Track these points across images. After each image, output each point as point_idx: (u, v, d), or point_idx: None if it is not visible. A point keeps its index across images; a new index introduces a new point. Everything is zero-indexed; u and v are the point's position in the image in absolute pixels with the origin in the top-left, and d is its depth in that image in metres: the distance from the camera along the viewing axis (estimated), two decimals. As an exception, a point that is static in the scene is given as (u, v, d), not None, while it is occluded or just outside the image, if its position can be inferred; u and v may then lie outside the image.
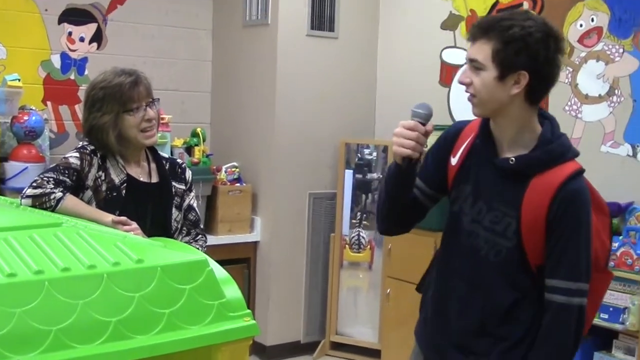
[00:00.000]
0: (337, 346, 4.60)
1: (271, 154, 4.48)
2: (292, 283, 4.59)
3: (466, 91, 1.95)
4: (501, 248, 1.95)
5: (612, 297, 3.18)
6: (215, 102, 4.92)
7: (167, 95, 4.43)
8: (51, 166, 2.39)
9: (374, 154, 4.53)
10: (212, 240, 3.78)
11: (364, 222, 4.51)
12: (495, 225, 1.96)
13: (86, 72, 4.42)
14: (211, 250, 2.32)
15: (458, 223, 2.03)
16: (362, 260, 4.53)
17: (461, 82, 1.95)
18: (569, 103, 3.70)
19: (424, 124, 1.94)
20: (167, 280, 1.53)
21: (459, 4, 4.20)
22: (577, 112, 3.67)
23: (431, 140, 2.03)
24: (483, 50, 1.89)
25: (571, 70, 3.69)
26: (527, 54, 1.85)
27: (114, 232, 1.95)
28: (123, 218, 2.23)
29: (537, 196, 1.90)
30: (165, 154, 2.64)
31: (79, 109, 4.40)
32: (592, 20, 3.61)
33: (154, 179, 2.48)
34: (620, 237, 3.27)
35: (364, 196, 4.54)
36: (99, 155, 2.38)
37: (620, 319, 3.14)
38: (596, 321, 3.19)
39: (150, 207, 2.42)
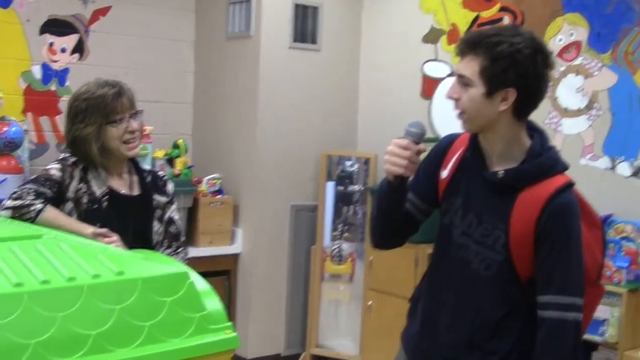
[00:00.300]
0: (318, 359, 4.59)
1: (253, 165, 4.47)
2: (273, 295, 4.58)
3: (455, 108, 1.94)
4: (491, 262, 1.94)
5: (592, 309, 3.20)
6: (197, 113, 4.92)
7: (148, 106, 4.39)
8: (32, 178, 2.38)
9: (356, 166, 4.54)
10: (193, 252, 3.77)
11: (345, 234, 4.52)
12: (485, 239, 1.95)
13: (67, 83, 4.40)
14: (192, 262, 2.31)
15: (449, 236, 2.03)
16: (343, 273, 4.53)
17: (449, 97, 1.94)
18: (549, 116, 3.73)
19: (417, 143, 1.93)
20: (148, 293, 1.52)
21: (441, 18, 4.23)
22: (557, 125, 3.71)
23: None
24: (471, 66, 1.87)
25: (551, 84, 3.72)
26: (515, 71, 1.85)
27: (95, 244, 1.94)
28: (104, 230, 2.22)
29: (525, 209, 1.89)
30: (147, 166, 2.64)
31: (59, 120, 4.37)
32: (572, 34, 3.66)
33: (136, 191, 2.47)
34: (600, 250, 3.29)
35: (345, 208, 4.55)
36: (80, 167, 2.37)
37: (600, 331, 3.16)
38: (576, 333, 3.21)
39: (131, 219, 2.40)
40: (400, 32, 4.48)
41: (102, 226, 2.26)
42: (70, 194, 2.33)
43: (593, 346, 3.21)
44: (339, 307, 4.60)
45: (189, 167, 4.50)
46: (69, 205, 2.33)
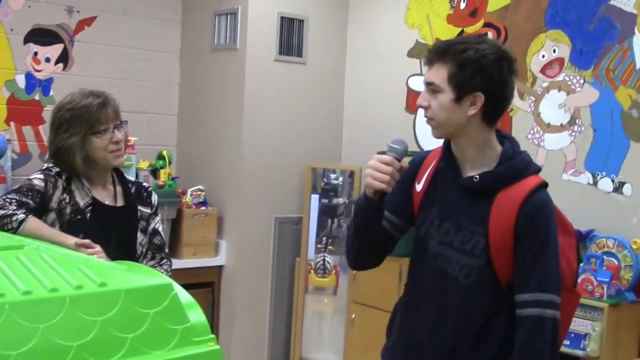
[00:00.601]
0: (301, 371, 4.58)
1: (237, 177, 4.47)
2: (257, 307, 4.56)
3: (425, 115, 1.99)
4: (471, 268, 1.96)
5: (574, 323, 3.19)
6: (182, 125, 4.91)
7: (133, 117, 4.37)
8: (15, 187, 2.37)
9: (340, 179, 4.55)
10: (176, 264, 3.75)
11: (330, 247, 4.52)
12: (464, 245, 1.97)
13: (51, 93, 4.39)
14: (175, 274, 2.31)
15: (424, 247, 2.04)
16: (327, 285, 4.53)
17: (419, 105, 1.99)
18: (532, 132, 3.76)
19: (399, 160, 1.97)
20: (130, 304, 1.51)
21: (426, 33, 4.26)
22: (540, 140, 3.74)
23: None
24: (440, 74, 1.93)
25: (534, 99, 3.76)
26: (482, 75, 1.91)
27: (77, 255, 1.93)
28: (86, 241, 2.21)
29: (503, 211, 1.92)
30: (131, 177, 2.63)
31: (42, 129, 4.35)
32: (554, 51, 3.69)
33: (120, 202, 2.46)
34: (581, 264, 3.31)
35: (329, 221, 4.55)
36: (64, 178, 2.36)
37: (582, 345, 3.17)
38: (557, 347, 3.22)
39: (115, 230, 2.40)
40: (386, 46, 4.51)
41: (85, 237, 2.25)
42: (54, 204, 2.32)
43: (573, 360, 3.23)
44: (322, 320, 4.59)
45: (173, 179, 4.48)
46: (52, 215, 2.32)
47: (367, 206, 2.01)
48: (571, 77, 3.62)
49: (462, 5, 4.09)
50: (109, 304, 1.49)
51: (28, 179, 2.36)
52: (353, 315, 4.22)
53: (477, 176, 1.96)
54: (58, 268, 1.58)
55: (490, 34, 3.95)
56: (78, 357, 1.40)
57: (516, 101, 3.83)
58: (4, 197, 2.28)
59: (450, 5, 4.15)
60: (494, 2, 3.95)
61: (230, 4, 4.49)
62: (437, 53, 1.95)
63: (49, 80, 4.40)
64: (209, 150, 4.67)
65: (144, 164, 4.41)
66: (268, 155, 4.50)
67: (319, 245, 4.54)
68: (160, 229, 2.55)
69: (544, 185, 1.99)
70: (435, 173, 2.06)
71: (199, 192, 4.54)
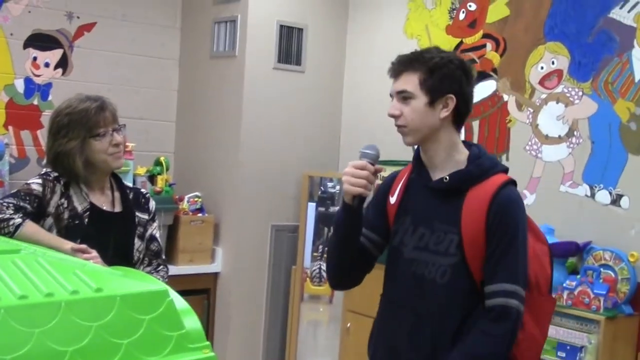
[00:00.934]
0: (295, 380, 4.57)
1: (234, 184, 4.47)
2: (252, 315, 4.55)
3: (396, 124, 2.08)
4: (446, 267, 2.01)
5: (570, 335, 3.21)
6: (180, 131, 4.91)
7: (131, 123, 4.39)
8: (12, 192, 2.36)
9: (337, 187, 4.55)
10: (172, 270, 3.74)
11: (326, 256, 4.51)
12: (438, 246, 2.03)
13: (50, 98, 4.39)
14: (171, 280, 2.30)
15: (399, 254, 2.10)
16: (323, 294, 4.52)
17: (391, 115, 2.08)
18: (530, 143, 3.77)
19: (372, 164, 2.05)
20: (126, 310, 1.51)
21: (424, 43, 4.27)
22: (538, 152, 3.74)
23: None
24: (411, 81, 2.04)
25: (532, 111, 3.77)
26: (450, 79, 2.03)
27: (73, 260, 1.93)
28: (83, 246, 2.21)
29: (474, 208, 1.99)
30: (129, 183, 2.63)
31: (41, 134, 4.35)
32: (553, 63, 3.70)
33: (117, 208, 2.46)
34: (578, 276, 3.31)
35: (326, 229, 4.54)
36: (62, 183, 2.36)
37: (578, 358, 3.17)
38: (553, 359, 3.22)
39: (112, 236, 2.39)
40: (384, 56, 4.50)
41: (82, 242, 2.25)
42: (51, 209, 2.32)
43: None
44: (317, 328, 4.59)
45: (171, 185, 4.48)
46: (49, 220, 2.32)
47: (347, 215, 2.09)
48: (570, 89, 3.63)
49: (461, 16, 4.11)
50: (105, 310, 1.48)
51: (26, 184, 2.36)
52: (348, 324, 4.21)
53: (447, 177, 2.04)
54: (54, 273, 1.58)
55: (490, 45, 3.96)
56: (73, 363, 1.39)
57: (514, 112, 3.84)
58: (1, 201, 2.28)
59: (449, 16, 4.16)
60: (493, 14, 3.96)
61: (230, 11, 4.50)
62: (405, 63, 2.07)
63: (48, 85, 4.40)
64: (206, 157, 4.67)
65: (142, 170, 4.41)
66: (265, 162, 4.50)
67: (315, 254, 4.53)
68: (157, 235, 2.55)
69: (512, 182, 2.06)
70: (407, 184, 2.14)
71: (196, 199, 4.53)
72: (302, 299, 4.54)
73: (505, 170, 2.10)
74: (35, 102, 4.37)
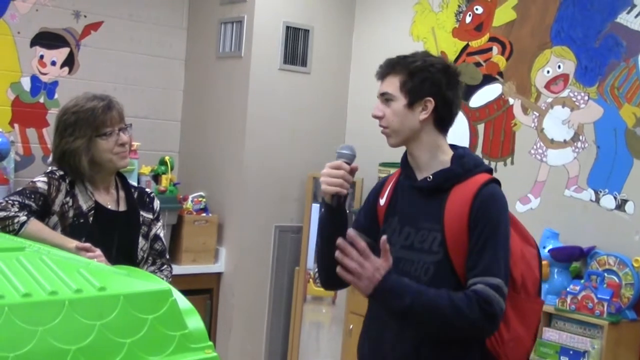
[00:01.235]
0: (297, 381, 4.57)
1: (238, 185, 4.47)
2: (255, 315, 4.55)
3: (379, 125, 2.15)
4: (429, 265, 2.03)
5: (573, 340, 3.21)
6: (185, 131, 4.92)
7: (137, 122, 4.38)
8: (18, 189, 2.37)
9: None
10: (175, 269, 3.73)
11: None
12: (423, 244, 2.06)
13: (56, 96, 4.40)
14: (174, 280, 2.31)
15: None
16: (326, 295, 4.52)
17: (374, 116, 2.16)
18: (535, 147, 3.76)
19: (348, 164, 2.13)
20: (129, 309, 1.51)
21: (430, 46, 4.27)
22: (543, 156, 3.74)
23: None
24: (392, 83, 2.11)
25: (537, 115, 3.76)
26: (431, 82, 2.07)
27: (78, 258, 1.93)
28: (87, 245, 2.21)
29: (456, 206, 2.02)
30: (134, 182, 2.63)
31: (46, 132, 4.36)
32: (559, 67, 3.70)
33: (122, 207, 2.46)
34: (582, 281, 3.31)
35: (330, 231, 4.54)
36: (67, 181, 2.36)
37: (580, 363, 3.16)
38: (556, 364, 3.22)
39: (116, 235, 2.40)
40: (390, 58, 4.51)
41: (87, 241, 2.25)
42: (56, 207, 2.32)
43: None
44: (320, 330, 4.58)
45: (175, 185, 4.49)
46: (54, 218, 2.32)
47: (328, 214, 2.15)
48: (576, 94, 3.63)
49: (468, 19, 4.10)
50: (108, 308, 1.48)
51: (31, 182, 2.36)
52: (351, 326, 4.21)
53: (431, 176, 2.09)
54: (58, 271, 1.58)
55: (496, 49, 3.96)
56: (76, 361, 1.40)
57: (520, 116, 3.83)
58: (6, 199, 2.29)
59: (455, 19, 4.16)
60: (500, 17, 3.96)
61: (236, 12, 4.51)
62: (389, 66, 2.13)
63: (54, 84, 4.41)
64: (211, 157, 4.68)
65: (146, 169, 4.42)
66: (270, 163, 4.50)
67: (319, 255, 4.52)
68: (161, 234, 2.55)
69: (495, 180, 2.09)
70: (395, 186, 2.19)
71: (200, 199, 4.54)
72: (305, 300, 4.54)
73: (490, 170, 2.13)
74: (42, 100, 4.38)
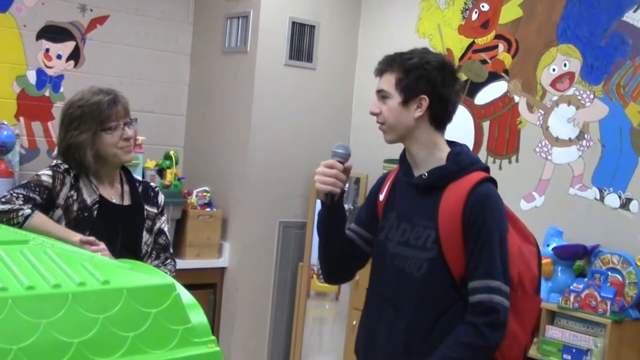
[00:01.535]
0: (300, 377, 4.58)
1: (243, 180, 4.48)
2: (258, 311, 4.56)
3: (377, 122, 2.16)
4: (422, 262, 2.05)
5: (576, 338, 3.21)
6: (190, 126, 4.92)
7: (142, 116, 4.41)
8: (22, 182, 2.37)
9: (346, 185, 4.53)
10: (179, 264, 3.74)
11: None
12: (417, 240, 2.07)
13: (61, 90, 4.40)
14: (178, 274, 2.31)
15: (384, 250, 2.15)
16: (329, 291, 4.53)
17: (371, 113, 2.16)
18: (540, 145, 3.76)
19: (343, 163, 2.14)
20: (132, 303, 1.51)
21: (436, 43, 4.26)
22: (547, 154, 3.73)
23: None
24: (388, 81, 2.13)
25: (542, 112, 3.76)
26: (426, 79, 2.07)
27: (81, 251, 1.93)
28: (91, 238, 2.21)
29: (451, 204, 2.03)
30: (138, 176, 2.64)
31: (51, 125, 4.37)
32: (565, 65, 3.69)
33: (127, 201, 2.47)
34: (585, 279, 3.30)
35: (334, 227, 4.54)
36: (72, 175, 2.36)
37: (582, 361, 3.16)
38: (558, 362, 3.21)
39: (120, 229, 2.40)
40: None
41: (91, 234, 2.26)
42: (61, 200, 2.33)
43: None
44: (323, 326, 4.59)
45: (179, 179, 4.49)
46: (59, 212, 2.33)
47: (324, 211, 2.18)
48: (581, 92, 3.62)
49: (474, 17, 4.10)
50: (111, 302, 1.49)
51: (36, 175, 2.36)
52: (354, 322, 4.21)
53: (426, 173, 2.09)
54: (62, 264, 1.58)
55: (502, 46, 3.95)
56: (79, 354, 1.40)
57: (525, 114, 3.83)
58: (11, 192, 2.29)
59: (462, 16, 4.15)
60: (506, 15, 3.95)
61: (242, 7, 4.50)
62: (386, 63, 2.15)
63: (60, 77, 4.42)
64: (215, 152, 4.68)
65: (151, 164, 4.43)
66: (274, 158, 4.51)
67: (322, 251, 4.53)
68: (165, 229, 2.56)
69: (490, 179, 2.09)
70: (394, 182, 2.21)
71: (204, 194, 4.54)
72: (308, 296, 4.55)
73: (486, 168, 2.13)
74: (47, 94, 4.39)
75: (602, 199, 3.52)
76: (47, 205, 2.30)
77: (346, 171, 2.15)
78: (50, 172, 2.35)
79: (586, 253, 3.44)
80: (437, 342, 2.02)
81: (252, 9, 4.43)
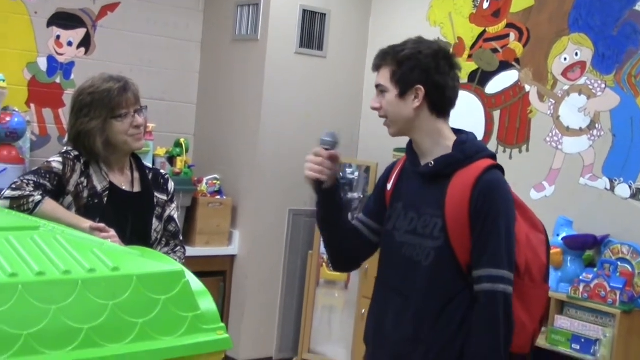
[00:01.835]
0: (308, 364, 4.59)
1: (253, 168, 4.48)
2: (268, 298, 4.58)
3: (379, 116, 2.15)
4: (430, 250, 2.05)
5: (585, 328, 3.20)
6: (200, 113, 4.93)
7: (152, 104, 4.43)
8: (33, 169, 2.38)
9: (356, 173, 4.54)
10: (189, 251, 3.75)
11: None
12: (425, 229, 2.08)
13: (72, 77, 4.41)
14: (188, 262, 2.31)
15: (392, 239, 2.16)
16: (339, 279, 4.53)
17: (372, 108, 2.17)
18: (550, 134, 3.74)
19: (330, 150, 2.17)
20: (142, 290, 1.52)
21: (447, 32, 4.25)
22: (558, 143, 3.72)
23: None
24: (384, 75, 2.12)
25: (553, 102, 3.74)
26: (419, 69, 2.07)
27: (92, 238, 1.94)
28: (101, 225, 2.22)
29: (458, 192, 2.03)
30: (148, 163, 2.64)
31: (62, 112, 4.39)
32: (576, 54, 3.67)
33: (137, 188, 2.47)
34: (595, 269, 3.30)
35: (343, 215, 4.54)
36: (82, 161, 2.37)
37: (592, 351, 3.16)
38: (567, 351, 3.21)
39: (130, 216, 2.40)
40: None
41: (101, 221, 2.26)
42: (71, 187, 2.34)
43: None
44: (332, 314, 4.60)
45: (190, 167, 4.50)
46: (69, 199, 2.33)
47: (319, 199, 2.21)
48: (592, 81, 3.60)
49: (485, 5, 4.07)
50: (121, 289, 1.49)
51: (46, 162, 2.37)
52: (363, 310, 4.22)
53: (432, 162, 2.09)
54: (72, 251, 1.59)
55: (513, 35, 3.93)
56: (88, 340, 1.41)
57: (536, 103, 3.81)
58: (21, 178, 2.30)
59: (473, 5, 4.13)
60: (518, 3, 3.92)
61: (253, -6, 4.50)
62: (381, 58, 2.15)
63: (71, 64, 4.43)
64: (226, 140, 4.68)
65: (161, 151, 4.44)
66: (285, 146, 4.51)
67: (332, 239, 4.53)
68: (175, 216, 2.56)
69: (497, 166, 2.09)
70: (401, 172, 2.21)
71: (214, 181, 4.55)
72: (317, 284, 4.56)
73: (492, 155, 2.13)
74: (58, 81, 4.40)
75: (612, 189, 3.50)
76: (57, 192, 2.31)
77: (332, 159, 2.17)
78: (60, 159, 2.35)
79: (596, 243, 3.43)
80: (444, 330, 2.03)
81: (263, -4, 4.42)
